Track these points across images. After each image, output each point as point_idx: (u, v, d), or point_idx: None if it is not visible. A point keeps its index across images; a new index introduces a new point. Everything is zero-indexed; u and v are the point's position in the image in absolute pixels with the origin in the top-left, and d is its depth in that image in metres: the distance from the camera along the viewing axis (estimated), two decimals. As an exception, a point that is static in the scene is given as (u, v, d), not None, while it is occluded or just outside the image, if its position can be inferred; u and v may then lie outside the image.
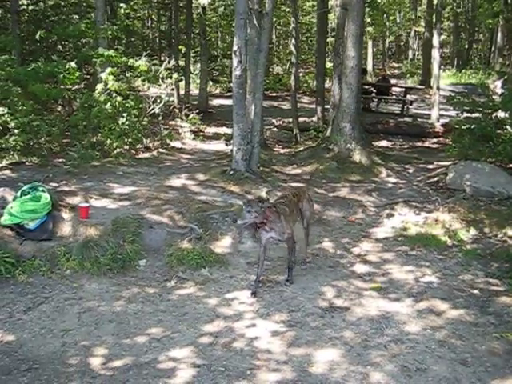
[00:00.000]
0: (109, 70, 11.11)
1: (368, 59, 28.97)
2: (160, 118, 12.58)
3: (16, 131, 9.57)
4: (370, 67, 28.78)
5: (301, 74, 25.57)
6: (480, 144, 9.76)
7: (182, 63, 19.25)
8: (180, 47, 18.51)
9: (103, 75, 11.15)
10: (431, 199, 8.87)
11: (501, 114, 10.27)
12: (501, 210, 8.22)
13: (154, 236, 6.77)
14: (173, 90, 15.37)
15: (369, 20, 24.75)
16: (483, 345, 4.88)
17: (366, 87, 19.09)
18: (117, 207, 7.46)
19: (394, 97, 20.34)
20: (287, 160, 11.74)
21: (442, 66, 23.73)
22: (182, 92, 18.67)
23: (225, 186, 8.77)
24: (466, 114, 10.53)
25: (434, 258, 6.90)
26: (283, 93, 23.70)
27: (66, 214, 6.82)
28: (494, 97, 11.09)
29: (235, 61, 8.83)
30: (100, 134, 10.87)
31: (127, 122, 10.85)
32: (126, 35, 21.40)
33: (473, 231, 7.58)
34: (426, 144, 14.72)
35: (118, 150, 10.69)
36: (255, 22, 10.21)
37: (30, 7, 18.16)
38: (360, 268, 6.61)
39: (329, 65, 19.63)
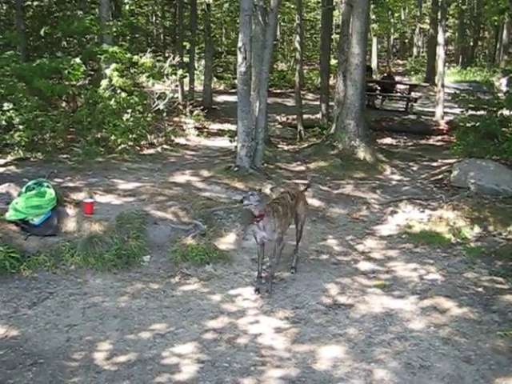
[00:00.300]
0: (113, 66, 11.11)
1: (372, 56, 28.93)
2: (164, 114, 12.59)
3: (21, 127, 9.59)
4: (374, 64, 28.73)
5: (305, 71, 25.55)
6: (485, 142, 9.73)
7: (186, 59, 19.23)
8: (184, 43, 18.48)
9: (108, 71, 11.16)
10: (435, 197, 8.86)
11: (506, 112, 10.24)
12: (505, 207, 8.20)
13: (158, 232, 6.78)
14: (177, 86, 15.35)
15: (374, 17, 24.69)
16: (487, 343, 4.88)
17: (371, 84, 19.05)
18: (121, 203, 7.47)
19: (399, 94, 20.29)
20: (291, 157, 11.73)
21: (447, 64, 23.65)
22: (186, 88, 18.67)
23: (229, 182, 8.77)
24: (470, 112, 10.50)
25: (438, 256, 6.90)
26: (287, 89, 23.68)
27: (70, 210, 6.83)
28: (499, 94, 11.04)
29: (240, 57, 8.83)
30: (104, 130, 10.88)
31: (132, 118, 10.86)
32: (130, 31, 21.40)
33: (477, 229, 7.58)
34: (431, 141, 14.70)
35: (123, 146, 10.71)
36: (260, 18, 10.21)
37: (35, 3, 18.17)
38: (364, 265, 6.61)
39: (333, 62, 19.58)
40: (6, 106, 9.53)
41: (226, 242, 6.91)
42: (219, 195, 8.20)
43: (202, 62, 22.00)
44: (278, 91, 23.16)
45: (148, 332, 4.89)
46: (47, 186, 6.74)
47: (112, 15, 14.32)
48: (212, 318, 5.19)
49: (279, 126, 15.80)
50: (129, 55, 11.69)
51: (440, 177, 10.01)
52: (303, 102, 16.89)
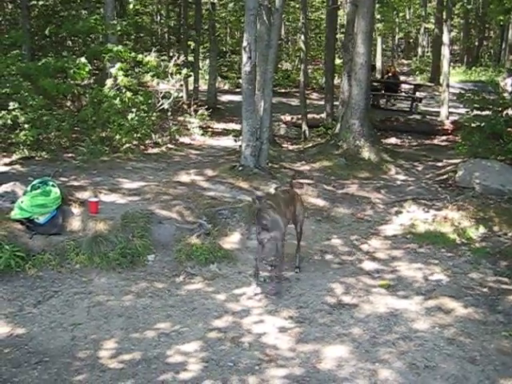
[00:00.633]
0: (118, 65, 11.13)
1: (377, 56, 28.86)
2: (169, 113, 12.60)
3: (26, 126, 9.62)
4: (379, 64, 28.67)
5: (310, 71, 25.53)
6: (490, 142, 9.72)
7: (191, 59, 19.24)
8: (189, 43, 18.49)
9: (113, 70, 11.18)
10: (440, 197, 8.85)
11: (511, 112, 10.21)
12: (510, 208, 8.18)
13: (162, 231, 6.79)
14: (182, 85, 15.38)
15: (378, 16, 24.62)
16: (492, 343, 4.87)
17: (375, 84, 19.02)
18: (126, 202, 7.49)
19: (403, 94, 20.25)
20: (296, 156, 11.73)
21: (452, 63, 23.60)
22: (190, 88, 18.68)
23: (234, 181, 8.78)
24: (475, 112, 10.48)
25: (442, 256, 6.89)
26: (292, 89, 23.67)
27: (75, 209, 6.85)
28: (504, 94, 11.03)
29: (245, 57, 8.83)
30: (109, 130, 10.90)
31: (136, 118, 10.88)
32: (135, 31, 21.42)
33: (482, 229, 7.56)
34: (435, 141, 14.68)
35: (127, 145, 10.72)
36: (265, 18, 10.21)
37: (40, 2, 18.22)
38: (368, 265, 6.61)
39: (338, 61, 19.56)
40: (12, 105, 9.57)
41: (231, 241, 6.91)
42: (224, 195, 8.20)
43: (207, 61, 22.02)
44: (283, 91, 23.15)
45: (153, 331, 4.90)
46: (52, 185, 6.75)
47: (117, 15, 14.34)
48: (216, 317, 5.20)
49: (284, 125, 15.78)
50: (133, 54, 11.71)
51: (445, 177, 10.00)
52: (308, 101, 16.89)
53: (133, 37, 20.67)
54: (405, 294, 5.81)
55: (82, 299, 5.44)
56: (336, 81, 18.49)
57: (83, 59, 10.80)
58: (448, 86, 16.52)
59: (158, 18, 27.74)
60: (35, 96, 9.97)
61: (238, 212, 7.31)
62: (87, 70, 10.85)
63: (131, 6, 20.36)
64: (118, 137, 10.71)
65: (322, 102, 16.85)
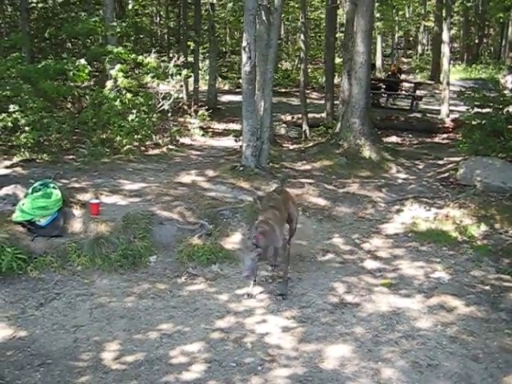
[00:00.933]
0: (118, 66, 11.13)
1: (377, 54, 28.85)
2: (169, 114, 12.59)
3: (26, 128, 9.61)
4: (379, 62, 28.66)
5: (310, 70, 25.50)
6: (491, 139, 9.69)
7: (190, 59, 19.24)
8: (189, 44, 18.48)
9: (113, 72, 11.18)
10: (441, 195, 8.83)
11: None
12: (512, 205, 8.17)
13: (164, 232, 6.79)
14: (182, 86, 15.38)
15: (378, 15, 24.61)
16: (495, 341, 4.86)
17: (376, 82, 19.01)
18: (127, 204, 7.49)
19: (404, 92, 20.23)
20: (297, 156, 11.71)
21: (452, 61, 23.58)
22: (191, 88, 18.68)
23: (234, 182, 8.77)
24: (476, 109, 10.46)
25: (444, 254, 6.89)
26: (292, 89, 23.65)
27: (76, 211, 6.85)
28: (504, 92, 11.00)
29: (244, 57, 8.82)
30: (110, 131, 10.90)
31: (137, 119, 10.87)
32: (134, 32, 21.41)
33: (483, 227, 7.55)
34: (436, 140, 14.65)
35: (128, 146, 10.72)
36: (264, 17, 10.21)
37: (40, 5, 18.23)
38: (370, 264, 6.60)
39: (338, 60, 19.54)
40: (12, 107, 9.56)
41: (232, 241, 6.91)
42: (225, 195, 8.19)
43: (207, 61, 22.02)
44: (283, 90, 23.13)
45: (155, 332, 4.90)
46: (53, 187, 6.76)
47: (116, 16, 14.34)
48: (219, 317, 5.20)
49: (284, 125, 15.76)
50: (134, 56, 11.70)
51: (446, 175, 9.99)
52: (308, 101, 16.88)
53: (132, 38, 20.67)
54: (407, 293, 5.81)
55: (84, 301, 5.45)
56: (336, 80, 18.48)
57: (83, 61, 10.80)
58: (448, 83, 16.50)
59: (158, 19, 27.74)
60: (35, 98, 9.98)
61: (239, 212, 7.31)
62: (87, 71, 10.84)
63: (130, 7, 20.39)
64: (118, 138, 10.71)
65: (323, 102, 16.83)
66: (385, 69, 28.27)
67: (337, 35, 19.10)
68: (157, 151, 11.48)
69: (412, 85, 20.33)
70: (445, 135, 14.87)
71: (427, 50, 36.83)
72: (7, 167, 9.17)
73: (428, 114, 17.32)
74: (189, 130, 13.73)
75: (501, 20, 27.09)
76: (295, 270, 6.33)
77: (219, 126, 15.63)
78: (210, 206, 7.44)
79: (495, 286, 5.99)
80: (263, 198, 6.81)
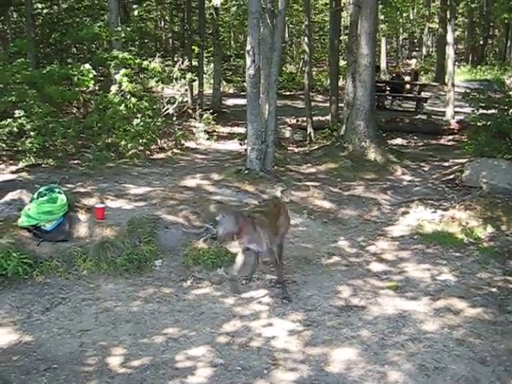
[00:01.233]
0: (123, 71, 11.17)
1: (381, 57, 28.82)
2: (174, 118, 12.62)
3: (32, 133, 9.65)
4: (383, 65, 28.63)
5: (314, 73, 25.53)
6: (496, 141, 9.66)
7: (195, 63, 19.29)
8: (193, 47, 18.54)
9: (117, 77, 11.22)
10: (447, 197, 8.81)
11: (517, 110, 10.16)
12: (518, 206, 8.13)
13: (169, 236, 6.80)
14: (186, 90, 15.38)
15: (382, 17, 24.62)
16: (502, 344, 4.83)
17: (380, 85, 18.99)
18: (132, 208, 7.50)
19: (408, 94, 20.19)
20: (302, 159, 11.72)
21: (457, 63, 23.49)
22: (195, 92, 18.73)
23: (239, 185, 8.78)
24: (481, 111, 10.43)
25: (450, 256, 6.85)
26: (297, 92, 23.66)
27: (82, 215, 6.86)
28: (510, 93, 10.96)
29: (249, 60, 8.84)
30: (115, 136, 10.94)
31: (141, 123, 10.90)
32: (139, 37, 21.48)
33: (490, 229, 7.51)
34: (442, 141, 14.62)
35: (133, 150, 10.75)
36: (268, 21, 10.22)
37: (45, 11, 18.34)
38: (376, 266, 6.58)
39: (342, 63, 19.56)
40: (18, 113, 9.61)
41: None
42: (230, 198, 8.20)
43: (211, 65, 22.06)
44: (288, 93, 23.15)
45: (161, 336, 4.90)
46: (59, 192, 6.77)
47: (121, 21, 14.39)
48: (224, 321, 5.19)
49: (289, 128, 15.78)
50: (138, 60, 11.74)
51: (452, 177, 9.95)
52: (313, 103, 16.88)
53: (137, 43, 20.74)
54: (413, 295, 5.78)
55: (90, 305, 5.45)
56: (341, 82, 18.47)
57: (87, 66, 10.85)
58: (453, 85, 16.46)
59: (162, 23, 27.84)
60: (41, 103, 10.02)
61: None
62: (91, 76, 10.89)
63: (135, 12, 20.46)
64: (123, 143, 10.74)
65: (327, 104, 16.84)
66: (389, 71, 28.24)
67: (341, 38, 19.15)
68: (162, 155, 11.51)
69: (417, 87, 20.30)
70: (450, 137, 14.85)
71: (432, 52, 36.74)
72: (13, 172, 9.21)
73: (433, 116, 17.28)
74: (194, 134, 13.76)
75: (506, 21, 26.97)
76: (300, 273, 6.32)
77: (224, 130, 15.65)
78: (216, 209, 7.44)
79: (502, 288, 5.95)
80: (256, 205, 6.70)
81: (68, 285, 5.84)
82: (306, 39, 16.71)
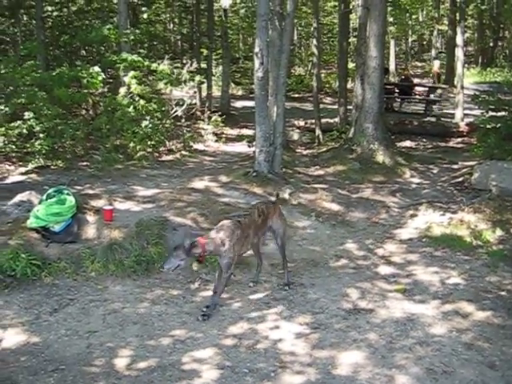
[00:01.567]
0: (132, 73, 11.21)
1: (390, 59, 28.77)
2: (183, 120, 12.65)
3: (41, 135, 9.71)
4: (392, 67, 28.57)
5: (323, 75, 25.50)
6: (506, 143, 9.59)
7: (204, 66, 19.34)
8: (202, 50, 18.59)
9: (126, 79, 11.27)
10: (456, 200, 8.76)
11: (527, 113, 10.10)
12: (528, 210, 8.07)
13: (177, 238, 6.77)
14: (195, 92, 15.45)
15: (391, 19, 24.55)
16: (511, 348, 4.79)
17: (389, 87, 18.94)
18: (140, 210, 7.52)
19: (417, 96, 20.14)
20: (310, 161, 11.71)
21: (466, 65, 23.44)
22: (204, 94, 18.76)
23: (248, 187, 8.77)
24: (491, 113, 10.36)
25: (459, 260, 6.81)
26: (305, 94, 23.66)
27: (90, 217, 6.89)
28: (520, 95, 10.90)
29: (257, 62, 8.84)
30: (123, 137, 10.98)
31: (150, 125, 10.94)
32: (148, 39, 21.53)
33: (499, 232, 7.46)
34: (451, 144, 14.57)
35: (141, 152, 10.78)
36: (277, 23, 10.23)
37: (55, 13, 18.44)
38: (384, 269, 6.56)
39: (351, 65, 19.52)
40: (27, 114, 9.66)
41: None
42: (238, 200, 8.20)
43: (220, 67, 22.11)
44: (296, 96, 23.15)
45: (168, 338, 4.90)
46: (67, 194, 6.80)
47: (130, 23, 14.45)
48: (232, 323, 5.18)
49: (297, 130, 15.78)
50: (147, 63, 11.78)
51: (461, 179, 9.91)
52: (321, 106, 16.87)
53: (146, 45, 20.80)
54: (421, 299, 5.75)
55: (98, 307, 5.46)
56: (349, 85, 18.45)
57: (96, 68, 10.90)
58: (462, 87, 16.41)
59: (171, 25, 27.93)
60: (50, 105, 10.08)
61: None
62: (100, 78, 10.94)
63: (145, 15, 20.55)
64: (132, 144, 10.77)
65: (336, 107, 16.82)
66: (398, 73, 28.18)
67: (350, 40, 19.10)
68: (170, 157, 11.54)
69: (426, 89, 20.24)
70: (459, 139, 14.79)
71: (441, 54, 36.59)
72: (22, 174, 9.26)
73: (442, 118, 17.21)
74: (202, 136, 13.79)
75: (516, 23, 26.87)
76: (308, 275, 6.31)
77: (232, 132, 15.67)
78: (223, 212, 7.43)
79: (511, 292, 5.91)
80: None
81: (76, 286, 5.86)
82: (314, 41, 16.73)
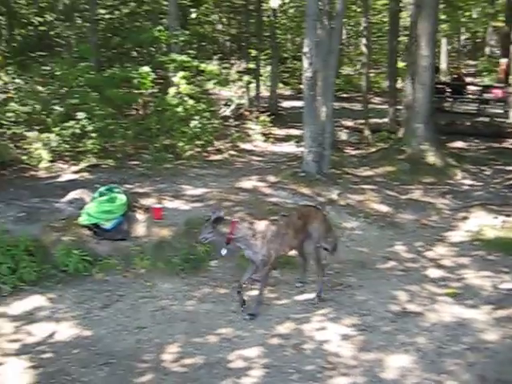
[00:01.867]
0: (181, 74, 11.34)
1: (442, 57, 28.14)
2: (231, 120, 12.72)
3: (93, 135, 9.94)
4: (443, 66, 27.94)
5: (372, 75, 25.15)
6: None
7: (252, 66, 19.40)
8: (250, 50, 18.65)
9: (175, 79, 11.41)
10: (510, 202, 8.52)
11: None
12: None
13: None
14: (243, 92, 15.50)
15: (443, 17, 23.97)
16: None
17: (440, 86, 18.52)
18: (189, 208, 7.60)
19: (470, 96, 19.62)
20: (358, 162, 11.59)
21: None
22: (252, 94, 18.81)
23: (295, 187, 8.74)
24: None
25: (513, 264, 6.61)
26: (354, 94, 23.40)
27: (140, 215, 7.02)
28: None
29: (306, 62, 8.81)
30: (172, 137, 11.11)
31: (199, 125, 11.04)
32: (197, 40, 21.77)
33: (556, 236, 7.20)
34: (505, 145, 14.12)
35: (190, 152, 10.90)
36: (326, 23, 10.14)
37: (107, 16, 18.85)
38: (433, 272, 6.43)
39: (400, 64, 19.20)
40: (80, 115, 9.92)
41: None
42: (286, 200, 8.18)
43: (268, 67, 22.12)
44: (345, 96, 22.90)
45: (215, 336, 4.94)
46: (118, 192, 6.95)
47: (179, 25, 14.64)
48: (278, 323, 5.19)
49: (346, 130, 15.62)
50: (196, 63, 11.90)
51: (515, 181, 9.62)
52: (370, 106, 16.66)
53: (195, 45, 21.02)
54: (472, 303, 5.60)
55: (147, 303, 5.56)
56: (399, 84, 18.14)
57: (146, 68, 11.07)
58: (518, 86, 15.89)
59: (220, 26, 28.14)
60: (102, 106, 10.31)
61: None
62: (150, 79, 11.11)
63: (193, 15, 20.77)
64: (180, 144, 10.90)
65: (385, 107, 16.59)
66: (450, 72, 27.53)
67: (400, 39, 18.79)
68: (218, 157, 11.61)
69: (479, 88, 19.70)
70: (514, 140, 14.33)
71: (496, 52, 35.56)
72: (75, 172, 9.50)
73: (496, 118, 16.71)
74: (250, 136, 13.82)
75: None
76: (356, 276, 6.25)
77: (280, 132, 15.64)
78: (270, 212, 7.44)
79: None
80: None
81: (126, 282, 5.99)
82: (364, 40, 16.51)
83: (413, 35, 12.86)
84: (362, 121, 15.13)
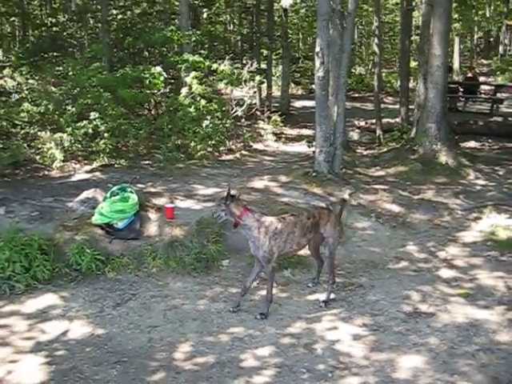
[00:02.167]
0: (193, 74, 11.39)
1: (454, 57, 27.98)
2: (243, 120, 12.74)
3: (106, 135, 10.02)
4: (456, 65, 27.78)
5: (384, 74, 25.07)
6: None
7: (263, 66, 19.41)
8: (262, 50, 18.67)
9: (187, 79, 11.45)
10: (524, 202, 8.44)
11: None
12: None
13: (237, 237, 6.83)
14: (255, 92, 15.52)
15: (456, 16, 23.82)
16: None
17: (453, 86, 18.41)
18: (201, 208, 7.62)
19: (483, 95, 19.47)
20: (370, 162, 11.55)
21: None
22: (264, 94, 18.83)
23: (307, 187, 8.74)
24: None
25: (526, 265, 6.56)
26: (366, 93, 23.36)
27: (152, 215, 7.05)
28: None
29: (318, 62, 8.80)
30: (184, 137, 11.17)
31: (211, 125, 11.08)
32: (208, 40, 21.85)
33: None
34: (519, 144, 14.00)
35: (202, 152, 10.94)
36: (338, 22, 10.13)
37: (119, 16, 18.98)
38: (446, 273, 6.39)
39: (413, 64, 19.12)
40: (93, 115, 9.99)
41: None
42: (297, 200, 8.18)
43: (280, 67, 22.13)
44: (357, 95, 22.89)
45: (226, 335, 4.96)
46: (130, 192, 6.98)
47: (191, 25, 14.70)
48: (289, 322, 5.19)
49: (358, 130, 15.60)
50: (208, 63, 11.93)
51: (529, 181, 9.54)
52: (382, 105, 16.60)
53: (207, 45, 21.08)
54: (485, 304, 5.57)
55: (159, 302, 5.59)
56: (411, 84, 18.06)
57: (158, 68, 11.13)
58: (532, 86, 15.75)
59: (231, 26, 28.18)
60: (114, 106, 10.38)
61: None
62: (162, 79, 11.17)
63: (205, 15, 20.84)
64: (192, 144, 10.94)
65: (397, 106, 16.52)
66: (463, 71, 27.36)
67: (412, 38, 18.72)
68: (230, 156, 11.64)
69: (492, 87, 19.56)
70: (528, 140, 14.19)
71: (510, 51, 35.29)
72: (87, 172, 9.58)
73: (510, 118, 16.57)
74: (262, 136, 13.84)
75: None
76: (367, 276, 6.24)
77: (292, 132, 15.65)
78: (282, 212, 7.43)
79: None
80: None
81: (138, 281, 6.02)
82: (375, 40, 16.44)
83: (425, 34, 12.80)
84: (374, 120, 15.08)
